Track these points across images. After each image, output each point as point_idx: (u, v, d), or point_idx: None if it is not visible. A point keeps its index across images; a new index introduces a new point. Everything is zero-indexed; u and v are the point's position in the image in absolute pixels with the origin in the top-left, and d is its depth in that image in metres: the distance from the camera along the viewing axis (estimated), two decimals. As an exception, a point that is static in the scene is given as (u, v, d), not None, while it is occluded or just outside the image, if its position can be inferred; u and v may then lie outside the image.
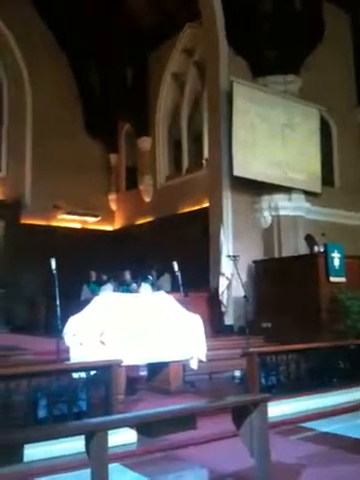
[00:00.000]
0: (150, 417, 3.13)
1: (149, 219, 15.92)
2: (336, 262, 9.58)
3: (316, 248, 10.22)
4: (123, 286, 11.04)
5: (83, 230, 16.79)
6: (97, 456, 2.83)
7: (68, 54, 16.88)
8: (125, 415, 3.50)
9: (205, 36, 12.94)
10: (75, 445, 3.47)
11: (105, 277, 12.30)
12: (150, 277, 10.45)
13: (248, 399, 3.64)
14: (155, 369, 6.39)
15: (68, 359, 5.63)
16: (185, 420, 3.18)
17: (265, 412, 3.46)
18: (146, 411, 3.31)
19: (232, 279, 10.49)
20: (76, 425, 3.12)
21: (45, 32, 16.46)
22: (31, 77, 16.23)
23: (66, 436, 2.98)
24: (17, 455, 2.72)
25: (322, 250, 9.82)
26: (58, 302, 6.23)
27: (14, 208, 15.33)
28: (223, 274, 10.67)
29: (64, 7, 15.27)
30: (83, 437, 2.88)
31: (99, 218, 17.14)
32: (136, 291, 10.02)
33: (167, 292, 7.17)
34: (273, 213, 12.31)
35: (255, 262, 11.16)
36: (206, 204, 12.82)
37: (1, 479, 3.33)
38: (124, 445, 4.19)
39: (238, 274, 8.36)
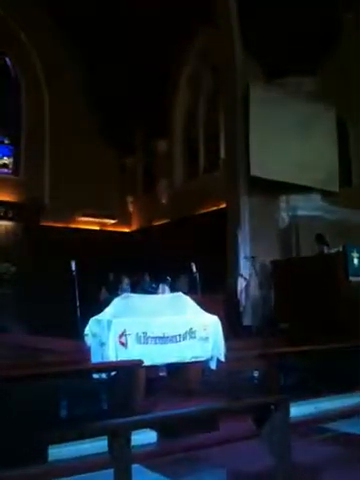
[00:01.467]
0: (172, 418, 3.16)
1: (166, 221, 15.96)
2: (356, 262, 9.50)
3: (326, 249, 10.09)
4: (142, 287, 11.09)
5: (101, 232, 16.90)
6: (120, 456, 2.85)
7: (84, 59, 16.97)
8: (147, 416, 3.53)
9: (220, 38, 12.93)
10: (98, 445, 3.50)
11: (126, 279, 12.33)
12: (168, 278, 10.48)
13: (270, 400, 3.65)
14: (175, 370, 6.41)
15: (89, 360, 5.69)
16: (207, 421, 3.20)
17: (286, 413, 3.47)
18: (168, 412, 3.33)
19: (250, 280, 10.48)
20: (99, 426, 3.15)
21: (61, 37, 16.57)
22: (48, 82, 16.41)
23: (89, 436, 3.02)
24: (41, 455, 2.77)
25: (332, 251, 9.78)
26: (78, 303, 6.29)
27: (33, 211, 15.53)
28: (241, 275, 10.66)
29: (79, 11, 15.36)
30: (105, 437, 2.92)
31: (117, 220, 17.23)
32: (155, 292, 10.07)
33: (185, 293, 7.19)
34: (290, 213, 12.25)
35: (273, 262, 11.09)
36: (223, 205, 12.81)
37: (26, 479, 3.38)
38: (144, 446, 4.21)
39: (256, 275, 8.36)
